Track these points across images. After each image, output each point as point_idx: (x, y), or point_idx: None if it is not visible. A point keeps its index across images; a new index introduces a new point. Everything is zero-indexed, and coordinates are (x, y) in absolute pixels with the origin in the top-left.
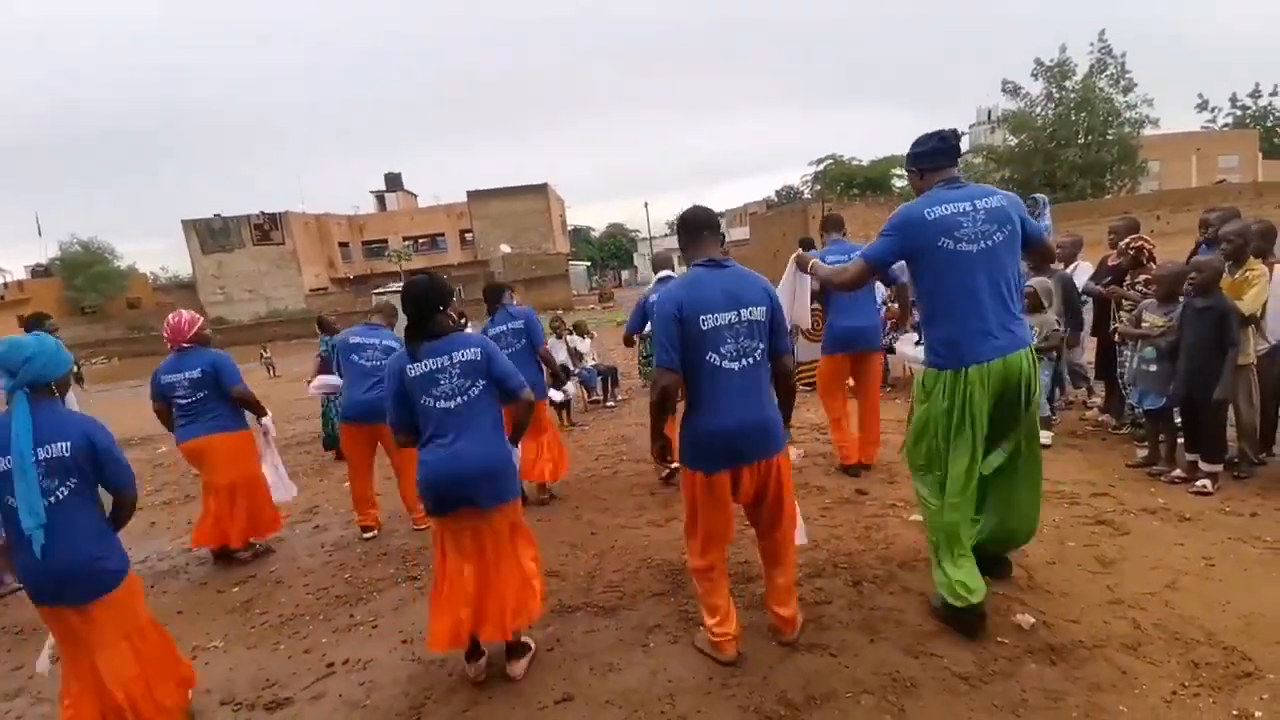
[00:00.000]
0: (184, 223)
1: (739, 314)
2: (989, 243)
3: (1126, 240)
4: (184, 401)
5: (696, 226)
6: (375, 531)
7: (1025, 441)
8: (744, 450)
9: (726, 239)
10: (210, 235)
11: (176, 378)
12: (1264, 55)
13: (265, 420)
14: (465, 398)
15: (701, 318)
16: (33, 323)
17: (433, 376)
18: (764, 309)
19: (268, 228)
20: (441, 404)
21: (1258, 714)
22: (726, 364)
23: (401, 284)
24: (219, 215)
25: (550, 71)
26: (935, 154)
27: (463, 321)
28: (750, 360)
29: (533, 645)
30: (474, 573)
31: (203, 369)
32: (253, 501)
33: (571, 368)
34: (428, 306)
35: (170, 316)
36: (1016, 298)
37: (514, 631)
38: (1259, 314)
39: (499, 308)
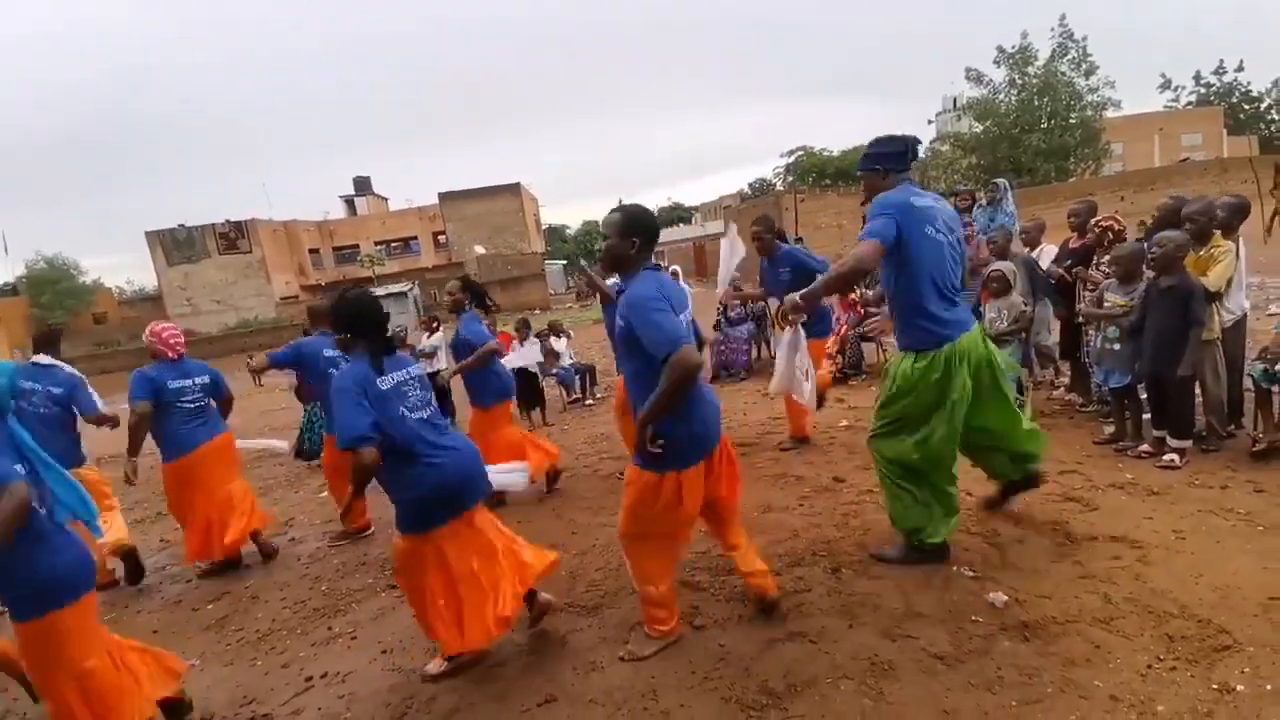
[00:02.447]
0: (147, 234)
1: (688, 312)
2: (951, 239)
3: (1095, 220)
4: (193, 406)
5: (653, 233)
6: (373, 529)
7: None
8: (715, 435)
9: (703, 233)
10: (175, 246)
11: (187, 383)
12: (1228, 32)
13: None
14: (431, 409)
15: (681, 314)
16: (43, 340)
17: (399, 390)
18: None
19: (234, 236)
20: (416, 414)
21: (1239, 687)
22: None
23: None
24: (183, 225)
25: (519, 69)
26: (900, 156)
27: (435, 326)
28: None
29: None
30: (483, 565)
31: (210, 377)
32: (245, 500)
33: (532, 369)
34: (382, 323)
35: (163, 328)
36: (960, 286)
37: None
38: (1223, 289)
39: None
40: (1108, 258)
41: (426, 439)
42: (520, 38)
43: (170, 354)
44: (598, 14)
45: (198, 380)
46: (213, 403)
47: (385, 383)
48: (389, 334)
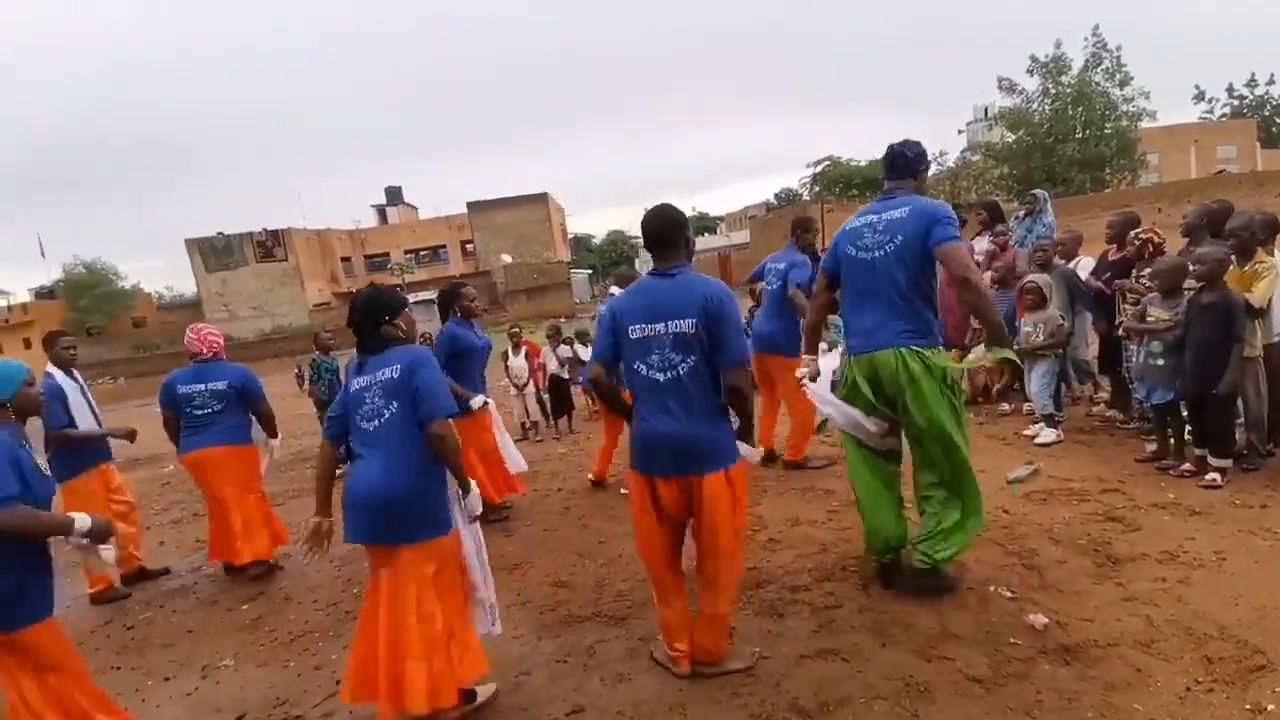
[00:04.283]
0: (187, 241)
1: (665, 325)
2: (882, 251)
3: (1134, 232)
4: (200, 413)
5: (648, 239)
6: None
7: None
8: (661, 460)
9: (728, 242)
10: (213, 253)
11: (197, 388)
12: (1260, 44)
13: (274, 441)
14: (379, 420)
15: (630, 327)
16: (47, 341)
17: (360, 395)
18: (692, 321)
19: (270, 244)
20: (363, 424)
21: (1270, 707)
22: (652, 374)
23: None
24: (221, 233)
25: (548, 79)
26: (885, 168)
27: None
28: (675, 373)
29: None
30: (383, 618)
31: (230, 382)
32: (254, 516)
33: (564, 376)
34: (366, 321)
35: (197, 328)
36: (908, 302)
37: (419, 710)
38: (1267, 306)
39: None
40: (1148, 271)
41: (357, 453)
42: (547, 50)
43: (204, 350)
44: (625, 22)
45: (210, 386)
46: (239, 411)
47: (351, 386)
48: (369, 334)
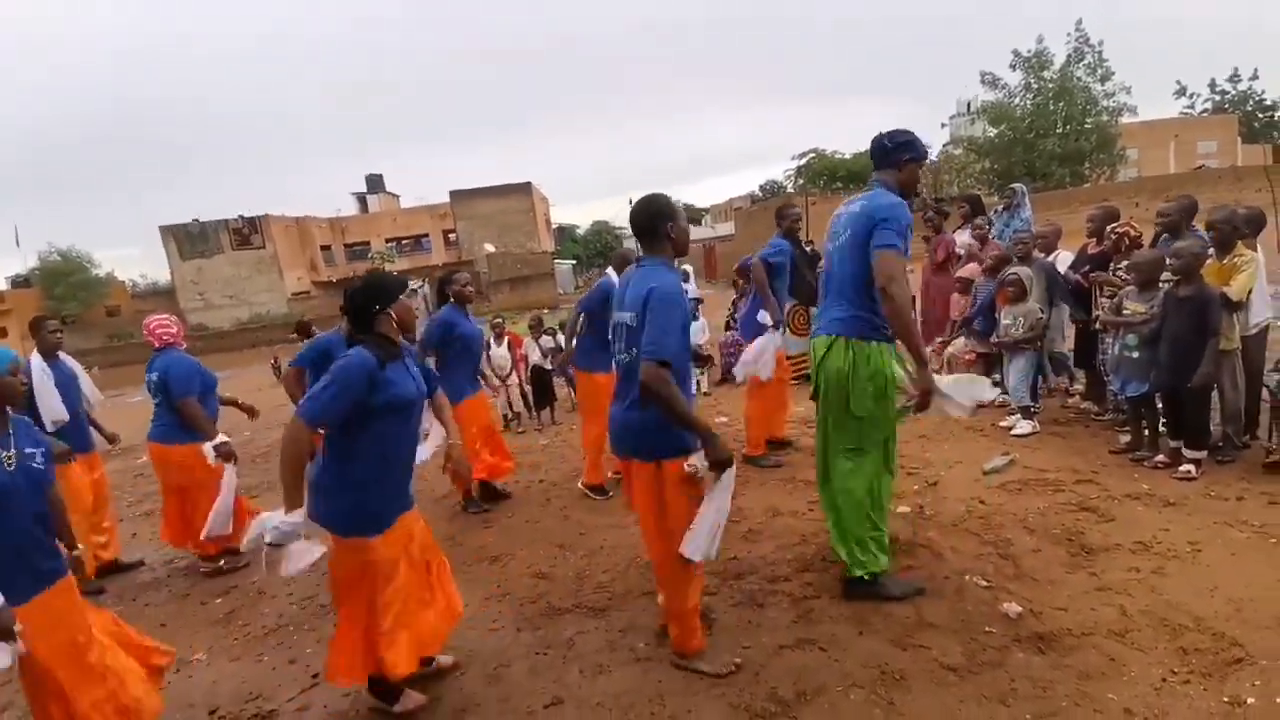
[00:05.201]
0: (161, 229)
1: (620, 315)
2: (837, 243)
3: (1111, 226)
4: (153, 402)
5: (632, 228)
6: None
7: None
8: (612, 440)
9: (713, 234)
10: (188, 241)
11: (146, 379)
12: (1244, 40)
13: (206, 446)
14: None
15: (613, 313)
16: (33, 327)
17: None
18: (633, 314)
19: (247, 232)
20: None
21: (1250, 700)
22: (617, 356)
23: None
24: (197, 220)
25: (532, 69)
26: (872, 157)
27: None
28: (623, 361)
29: None
30: None
31: (159, 374)
32: (175, 511)
33: (547, 367)
34: (353, 309)
35: (148, 321)
36: (855, 293)
37: None
38: (1245, 299)
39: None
40: (1125, 264)
41: None
42: (534, 39)
43: (154, 342)
44: (611, 16)
45: (149, 378)
46: (170, 407)
47: None
48: (372, 317)
